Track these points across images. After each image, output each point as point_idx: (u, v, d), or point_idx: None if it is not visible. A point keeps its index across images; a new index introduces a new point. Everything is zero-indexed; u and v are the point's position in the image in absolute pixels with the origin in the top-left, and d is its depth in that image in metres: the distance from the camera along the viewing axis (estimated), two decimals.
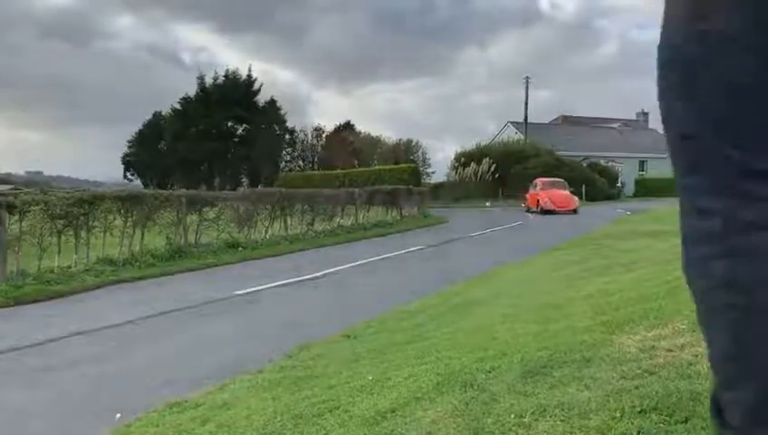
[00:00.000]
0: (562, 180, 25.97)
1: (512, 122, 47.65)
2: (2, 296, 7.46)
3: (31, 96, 76.93)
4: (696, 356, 1.97)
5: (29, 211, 8.77)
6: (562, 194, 23.81)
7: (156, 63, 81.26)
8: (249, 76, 49.51)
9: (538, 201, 23.97)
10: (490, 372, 2.33)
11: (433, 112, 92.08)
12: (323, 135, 53.52)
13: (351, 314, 5.77)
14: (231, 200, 13.71)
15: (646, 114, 54.19)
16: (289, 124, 51.42)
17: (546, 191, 24.16)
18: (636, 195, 39.17)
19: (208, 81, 48.90)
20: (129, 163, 52.58)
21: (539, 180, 25.64)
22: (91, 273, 8.96)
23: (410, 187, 23.84)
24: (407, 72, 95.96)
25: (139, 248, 10.46)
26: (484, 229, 16.97)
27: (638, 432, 1.50)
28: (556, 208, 22.93)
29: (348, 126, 53.57)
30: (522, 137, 43.44)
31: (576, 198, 24.06)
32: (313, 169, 47.96)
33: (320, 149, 53.00)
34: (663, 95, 0.70)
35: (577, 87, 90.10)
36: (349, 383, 2.91)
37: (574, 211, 22.75)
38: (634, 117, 54.49)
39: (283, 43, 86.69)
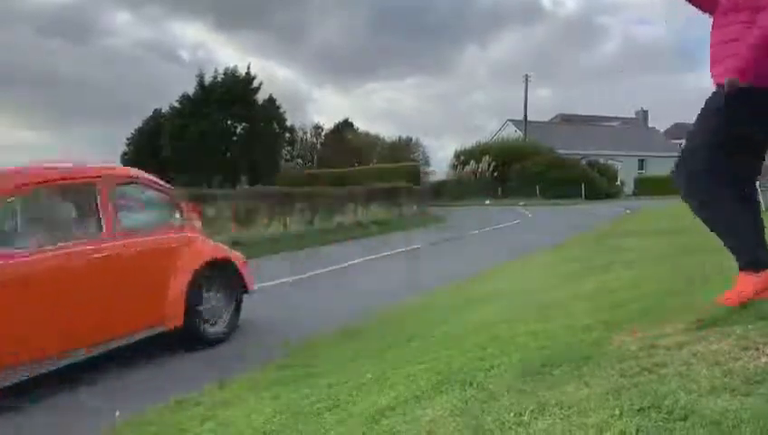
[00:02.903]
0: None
1: (511, 121, 47.73)
2: None
3: (29, 94, 76.79)
4: (695, 355, 1.97)
5: None
6: None
7: (154, 61, 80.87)
8: (248, 74, 49.42)
9: None
10: (489, 370, 2.33)
11: (433, 111, 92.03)
12: (323, 133, 53.60)
13: (351, 312, 5.77)
14: (230, 199, 13.72)
15: (645, 112, 54.17)
16: (288, 122, 51.37)
17: None
18: (635, 193, 39.20)
19: (208, 79, 48.79)
20: (127, 161, 52.50)
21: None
22: None
23: (410, 185, 23.86)
24: (406, 70, 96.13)
25: None
26: (483, 227, 16.99)
27: (637, 430, 1.50)
28: None
29: (347, 124, 53.65)
30: (521, 135, 43.53)
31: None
32: (313, 168, 47.97)
33: (319, 147, 53.06)
34: None
35: (577, 85, 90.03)
36: (348, 382, 2.92)
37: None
38: (633, 115, 54.46)
39: (281, 41, 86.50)
